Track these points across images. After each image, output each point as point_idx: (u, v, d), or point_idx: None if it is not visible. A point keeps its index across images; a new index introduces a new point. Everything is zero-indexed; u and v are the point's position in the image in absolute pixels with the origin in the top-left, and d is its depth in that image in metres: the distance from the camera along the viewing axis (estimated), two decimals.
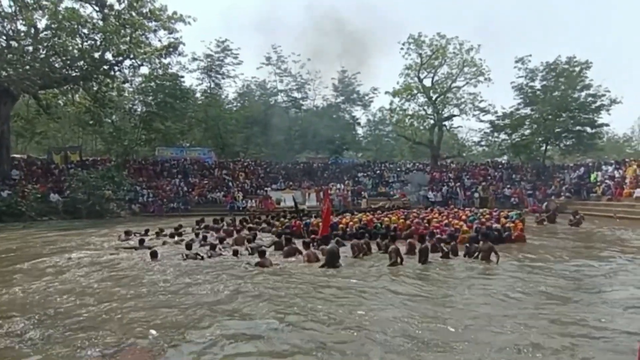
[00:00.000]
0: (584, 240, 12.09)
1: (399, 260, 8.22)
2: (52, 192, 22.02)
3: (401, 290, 6.36)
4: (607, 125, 30.48)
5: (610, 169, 23.83)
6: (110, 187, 22.79)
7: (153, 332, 4.71)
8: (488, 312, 5.24)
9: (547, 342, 4.31)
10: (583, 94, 28.83)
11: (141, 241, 10.84)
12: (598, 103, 28.49)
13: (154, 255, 8.93)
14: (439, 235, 10.51)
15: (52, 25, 23.20)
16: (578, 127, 29.30)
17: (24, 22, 23.00)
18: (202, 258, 8.97)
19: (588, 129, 29.46)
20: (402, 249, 8.88)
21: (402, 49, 33.16)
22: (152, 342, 4.45)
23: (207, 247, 9.90)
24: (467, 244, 9.26)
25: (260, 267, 7.95)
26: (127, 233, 12.46)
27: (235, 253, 9.27)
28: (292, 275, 7.49)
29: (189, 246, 9.65)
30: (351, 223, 12.66)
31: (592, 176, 23.97)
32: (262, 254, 8.42)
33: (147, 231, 12.98)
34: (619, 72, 66.40)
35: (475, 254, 8.68)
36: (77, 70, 24.86)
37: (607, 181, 22.49)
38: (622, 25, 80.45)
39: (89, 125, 30.37)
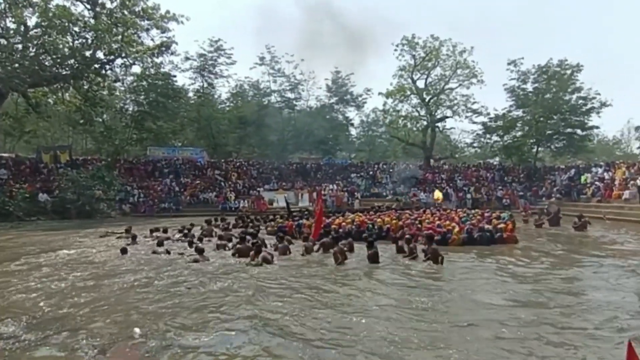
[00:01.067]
0: (574, 243, 12.12)
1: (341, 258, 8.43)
2: (40, 192, 21.72)
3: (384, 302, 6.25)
4: (597, 127, 30.87)
5: (600, 170, 24.10)
6: (100, 187, 22.54)
7: (137, 330, 4.66)
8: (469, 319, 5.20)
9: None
10: (574, 96, 29.14)
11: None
12: (588, 106, 28.80)
13: (124, 251, 9.39)
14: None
15: (43, 23, 22.92)
16: (569, 130, 29.59)
17: (13, 20, 22.72)
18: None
19: (579, 131, 29.77)
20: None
21: (395, 50, 33.32)
22: (141, 341, 4.39)
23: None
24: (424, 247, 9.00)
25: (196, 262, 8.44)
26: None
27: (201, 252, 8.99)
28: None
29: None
30: (344, 224, 12.63)
31: (583, 178, 24.21)
32: (200, 251, 8.86)
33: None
34: (609, 76, 67.26)
35: (427, 256, 8.47)
36: (67, 68, 24.56)
37: (597, 183, 22.72)
38: (612, 30, 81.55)
39: (79, 125, 30.04)
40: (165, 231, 12.83)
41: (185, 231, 12.45)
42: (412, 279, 7.24)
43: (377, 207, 18.62)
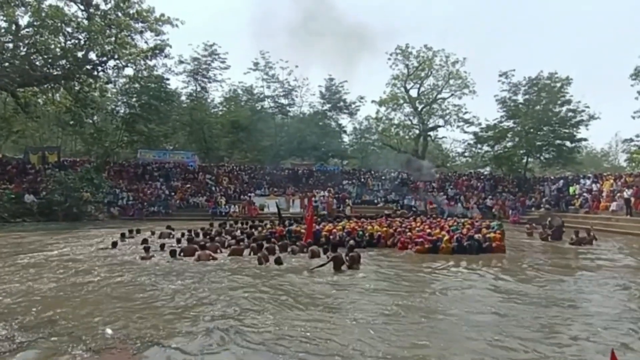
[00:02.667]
0: (564, 255, 12.13)
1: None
2: (27, 193, 21.34)
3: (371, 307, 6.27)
4: (585, 140, 31.30)
5: (588, 182, 24.38)
6: (88, 189, 22.21)
7: (108, 330, 4.66)
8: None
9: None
10: (564, 109, 29.59)
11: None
12: (577, 118, 29.26)
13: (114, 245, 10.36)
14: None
15: (35, 23, 22.70)
16: (558, 141, 29.99)
17: (4, 18, 22.45)
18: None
19: (568, 143, 30.18)
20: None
21: (389, 59, 33.64)
22: (131, 343, 4.37)
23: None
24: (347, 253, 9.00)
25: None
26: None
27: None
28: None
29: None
30: (335, 230, 12.58)
31: (571, 189, 24.47)
32: (147, 250, 9.76)
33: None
34: (597, 90, 68.64)
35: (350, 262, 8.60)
36: (58, 69, 24.30)
37: (585, 194, 22.97)
38: (601, 45, 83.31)
39: (69, 126, 29.68)
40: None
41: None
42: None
43: (386, 214, 18.65)
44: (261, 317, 5.33)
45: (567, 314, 5.74)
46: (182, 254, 9.63)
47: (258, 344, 4.42)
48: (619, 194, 20.57)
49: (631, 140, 26.89)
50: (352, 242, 10.74)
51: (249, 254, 9.84)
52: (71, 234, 14.61)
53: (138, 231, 13.73)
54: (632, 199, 19.33)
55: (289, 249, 10.50)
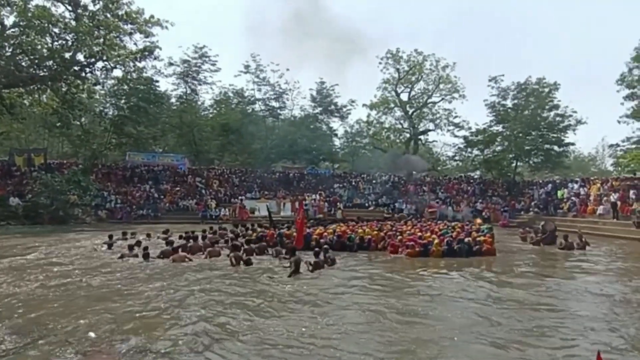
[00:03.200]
0: (553, 258, 12.20)
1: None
2: (12, 196, 20.93)
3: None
4: (573, 144, 31.75)
5: (575, 186, 24.70)
6: (75, 192, 21.87)
7: (92, 334, 4.62)
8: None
9: None
10: (552, 113, 29.97)
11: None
12: (565, 123, 29.66)
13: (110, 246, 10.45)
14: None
15: (21, 23, 22.34)
16: (546, 146, 30.34)
17: None
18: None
19: (556, 148, 30.56)
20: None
21: (380, 63, 33.81)
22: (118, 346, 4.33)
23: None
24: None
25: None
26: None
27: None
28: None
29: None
30: (325, 234, 12.52)
31: (559, 193, 24.76)
32: (129, 247, 10.25)
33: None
34: (584, 95, 69.82)
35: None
36: (45, 69, 23.92)
37: (572, 198, 23.26)
38: (588, 51, 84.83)
39: (55, 127, 29.22)
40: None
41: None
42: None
43: (385, 217, 18.70)
44: (238, 321, 5.30)
45: (553, 317, 5.73)
46: (161, 256, 9.63)
47: (239, 348, 4.37)
48: (605, 198, 20.86)
49: (617, 145, 27.39)
50: (325, 245, 10.67)
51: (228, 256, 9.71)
52: (56, 237, 14.32)
53: (134, 234, 13.44)
54: (619, 203, 19.61)
55: (273, 253, 10.52)
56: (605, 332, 5.12)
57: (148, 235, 13.59)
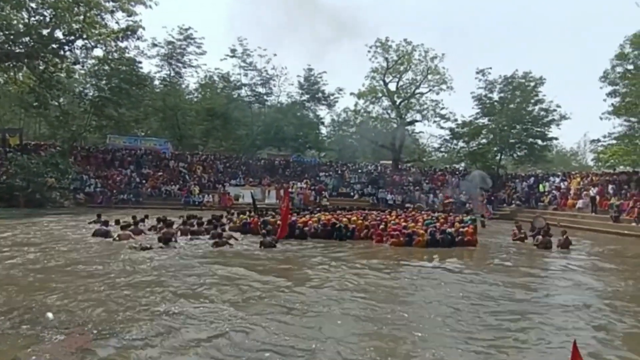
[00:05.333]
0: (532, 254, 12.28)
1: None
2: None
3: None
4: (556, 139, 32.22)
5: (557, 180, 25.15)
6: (53, 175, 21.20)
7: (49, 315, 4.52)
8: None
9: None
10: (536, 108, 30.29)
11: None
12: (549, 118, 30.04)
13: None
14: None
15: None
16: (530, 139, 30.74)
17: None
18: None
19: (539, 142, 30.99)
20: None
21: (369, 51, 33.46)
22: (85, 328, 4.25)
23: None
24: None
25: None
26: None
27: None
28: None
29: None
30: (310, 222, 12.43)
31: (541, 186, 25.18)
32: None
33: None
34: (570, 91, 70.84)
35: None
36: (21, 46, 22.89)
37: (554, 192, 23.69)
38: (571, 49, 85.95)
39: (32, 107, 28.11)
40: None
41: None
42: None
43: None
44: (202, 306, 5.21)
45: (529, 308, 5.74)
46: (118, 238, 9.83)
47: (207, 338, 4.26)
48: (585, 192, 21.28)
49: (598, 140, 27.84)
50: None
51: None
52: (29, 220, 13.86)
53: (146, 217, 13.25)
54: (597, 197, 20.03)
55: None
56: (580, 321, 5.15)
57: (146, 217, 13.31)
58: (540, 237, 11.87)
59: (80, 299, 5.22)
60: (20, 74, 25.73)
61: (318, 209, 17.76)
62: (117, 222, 12.00)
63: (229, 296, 5.70)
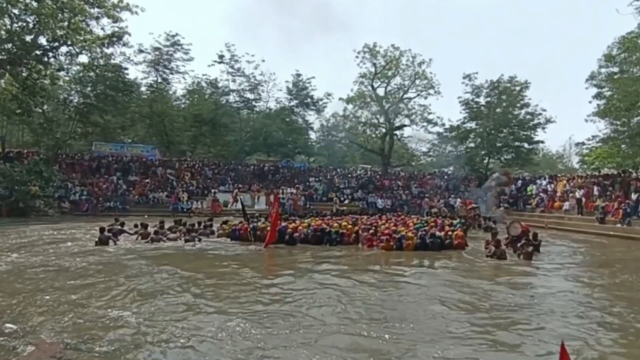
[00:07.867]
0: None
1: None
2: None
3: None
4: (542, 142, 32.76)
5: (544, 182, 25.46)
6: (37, 183, 20.73)
7: (11, 325, 4.43)
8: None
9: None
10: (522, 112, 30.78)
11: None
12: (535, 121, 30.53)
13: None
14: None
15: None
16: (517, 143, 31.17)
17: None
18: None
19: (526, 145, 31.42)
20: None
21: (357, 57, 33.65)
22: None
23: None
24: None
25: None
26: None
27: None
28: None
29: None
30: (300, 227, 12.37)
31: (528, 189, 25.47)
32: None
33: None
34: (553, 95, 72.18)
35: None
36: (3, 53, 22.42)
37: (541, 194, 23.97)
38: (557, 52, 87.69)
39: (15, 115, 27.46)
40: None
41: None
42: None
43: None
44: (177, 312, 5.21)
45: (518, 311, 5.76)
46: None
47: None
48: (571, 194, 21.57)
49: (583, 143, 28.35)
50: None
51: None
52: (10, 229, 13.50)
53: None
54: (583, 199, 20.31)
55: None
56: (567, 322, 5.16)
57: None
58: (492, 247, 10.39)
59: (39, 304, 5.20)
60: (3, 80, 25.19)
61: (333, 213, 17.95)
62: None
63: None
